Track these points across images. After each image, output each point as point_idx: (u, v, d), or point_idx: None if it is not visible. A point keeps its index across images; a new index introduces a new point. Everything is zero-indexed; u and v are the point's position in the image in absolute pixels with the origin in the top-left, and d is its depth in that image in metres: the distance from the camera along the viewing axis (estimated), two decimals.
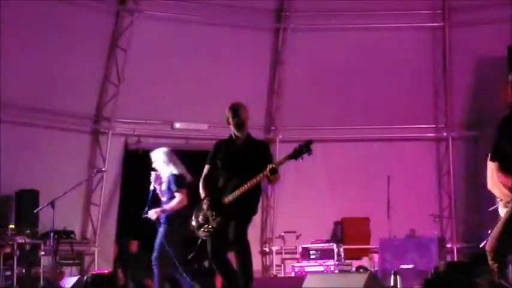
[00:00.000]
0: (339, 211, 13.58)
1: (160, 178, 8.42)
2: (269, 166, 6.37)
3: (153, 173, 8.44)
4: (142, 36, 13.24)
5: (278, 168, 6.44)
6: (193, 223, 6.77)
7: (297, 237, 12.69)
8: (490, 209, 10.50)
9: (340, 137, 14.18)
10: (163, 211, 8.35)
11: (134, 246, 12.44)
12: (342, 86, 14.06)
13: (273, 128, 14.41)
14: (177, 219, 8.16)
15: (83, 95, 13.19)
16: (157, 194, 8.51)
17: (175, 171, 8.36)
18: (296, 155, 6.38)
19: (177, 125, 13.96)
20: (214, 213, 6.60)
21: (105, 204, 13.42)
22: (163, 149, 8.70)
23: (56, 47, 12.59)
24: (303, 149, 6.35)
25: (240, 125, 6.70)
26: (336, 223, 13.36)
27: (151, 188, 8.42)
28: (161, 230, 8.37)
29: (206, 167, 6.87)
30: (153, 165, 8.55)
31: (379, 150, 14.01)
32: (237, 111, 6.72)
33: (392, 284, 7.86)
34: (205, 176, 6.84)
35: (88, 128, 13.44)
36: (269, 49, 14.36)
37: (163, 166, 8.46)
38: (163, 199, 8.50)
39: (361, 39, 14.02)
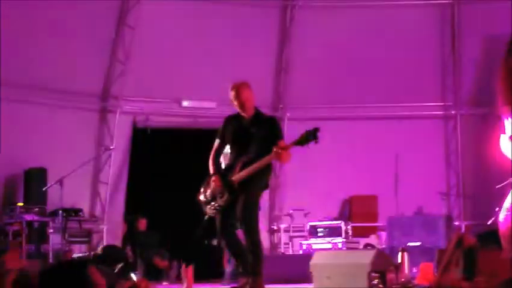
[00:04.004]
0: (347, 189, 13.61)
1: None
2: (275, 149, 6.37)
3: None
4: (150, 14, 13.21)
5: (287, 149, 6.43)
6: (201, 198, 6.79)
7: (305, 215, 12.73)
8: (498, 186, 10.52)
9: (349, 115, 14.17)
10: None
11: (143, 224, 12.49)
12: (350, 65, 14.02)
13: (281, 106, 14.39)
14: None
15: (90, 74, 13.20)
16: None
17: None
18: (302, 141, 6.36)
19: (185, 103, 13.96)
20: (222, 190, 6.61)
21: (113, 182, 13.47)
22: None
23: (64, 26, 12.59)
24: (310, 137, 6.32)
25: (241, 105, 6.70)
26: (344, 201, 13.40)
27: None
28: None
29: (216, 142, 6.88)
30: None
31: (387, 128, 13.99)
32: (237, 92, 6.70)
33: (399, 261, 7.88)
34: (215, 151, 6.85)
35: (96, 106, 13.46)
36: (277, 26, 14.32)
37: None
38: None
39: (369, 17, 13.97)
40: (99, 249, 11.11)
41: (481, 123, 14.07)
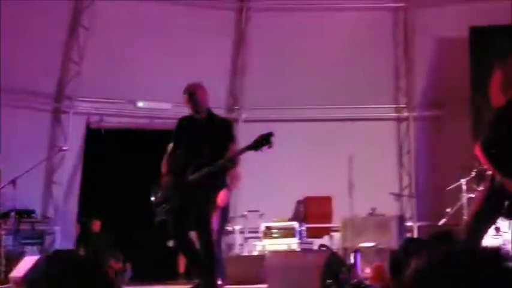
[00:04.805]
0: (301, 190, 13.66)
1: None
2: (227, 157, 6.42)
3: None
4: (105, 14, 13.13)
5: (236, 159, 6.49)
6: (154, 200, 6.78)
7: (260, 216, 12.76)
8: (449, 188, 10.71)
9: (303, 116, 14.25)
10: None
11: (97, 226, 12.41)
12: (304, 66, 14.10)
13: (237, 107, 14.42)
14: None
15: (44, 74, 13.07)
16: None
17: None
18: (256, 146, 6.39)
19: (140, 104, 13.90)
20: (174, 192, 6.61)
21: (66, 183, 13.36)
22: None
23: (16, 25, 12.45)
24: (263, 141, 6.36)
25: (194, 108, 6.70)
26: (299, 202, 13.44)
27: None
28: None
29: (170, 145, 6.88)
30: None
31: (342, 130, 14.10)
32: (191, 95, 6.70)
33: (352, 261, 7.97)
34: (169, 153, 6.85)
35: (50, 106, 13.34)
36: (233, 28, 14.34)
37: None
38: None
39: (323, 19, 14.07)
40: (50, 254, 11.01)
41: (433, 125, 14.29)
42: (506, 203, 5.48)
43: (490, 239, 9.27)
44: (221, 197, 6.78)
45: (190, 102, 6.69)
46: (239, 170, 6.76)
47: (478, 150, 5.54)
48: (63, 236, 13.09)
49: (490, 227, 6.44)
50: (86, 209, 13.14)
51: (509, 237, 9.12)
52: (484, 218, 5.75)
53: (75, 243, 12.43)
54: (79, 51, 13.14)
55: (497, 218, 6.21)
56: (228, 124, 6.97)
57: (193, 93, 6.69)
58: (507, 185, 5.33)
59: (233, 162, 6.55)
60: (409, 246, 4.86)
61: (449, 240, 5.75)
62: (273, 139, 6.33)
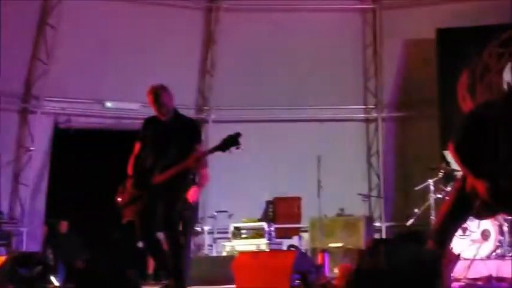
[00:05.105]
0: (271, 190, 13.67)
1: None
2: (193, 157, 6.39)
3: None
4: (73, 13, 13.04)
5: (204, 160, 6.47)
6: (120, 201, 6.73)
7: (229, 216, 12.75)
8: (417, 188, 10.78)
9: (273, 117, 14.26)
10: None
11: (64, 226, 12.31)
12: (274, 67, 14.11)
13: (206, 108, 14.39)
14: None
15: (11, 74, 12.93)
16: None
17: None
18: (223, 147, 6.37)
19: (108, 104, 13.83)
20: (140, 193, 6.57)
21: (34, 184, 13.24)
22: None
23: None
24: (231, 142, 6.35)
25: (158, 110, 6.67)
26: (268, 202, 13.45)
27: None
28: None
29: (136, 145, 6.84)
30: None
31: (311, 130, 14.13)
32: (154, 97, 6.67)
33: (320, 262, 7.99)
34: (135, 153, 6.81)
35: (16, 106, 13.22)
36: (202, 28, 14.32)
37: None
38: None
39: (293, 20, 14.11)
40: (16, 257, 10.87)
41: (401, 125, 14.39)
42: (478, 203, 5.53)
43: (457, 239, 9.36)
44: (191, 193, 6.76)
45: (154, 105, 6.66)
46: (207, 170, 6.72)
47: (450, 150, 5.60)
48: (30, 237, 12.97)
49: (459, 227, 6.50)
50: (54, 210, 13.03)
51: (478, 237, 9.23)
52: (454, 219, 5.80)
53: (43, 245, 12.32)
54: (47, 50, 13.03)
55: (467, 218, 6.29)
56: (194, 125, 6.94)
57: (156, 96, 6.66)
58: (479, 186, 5.39)
59: (200, 162, 6.53)
60: (376, 247, 4.88)
61: (416, 241, 5.79)
62: (240, 140, 6.32)
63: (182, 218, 6.78)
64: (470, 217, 6.21)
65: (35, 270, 8.97)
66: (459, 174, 6.24)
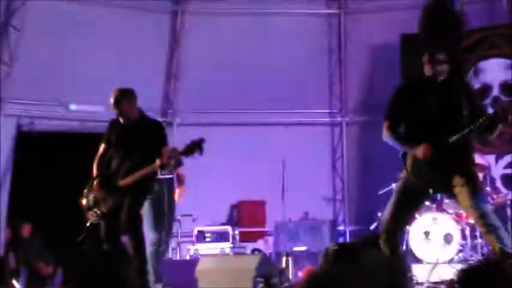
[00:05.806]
0: (235, 194, 13.69)
1: None
2: (158, 162, 6.38)
3: None
4: (37, 15, 12.93)
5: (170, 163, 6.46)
6: (84, 203, 6.71)
7: (193, 220, 12.73)
8: (381, 192, 10.87)
9: (237, 120, 14.27)
10: None
11: (27, 230, 12.20)
12: (238, 71, 14.13)
13: (171, 111, 14.37)
14: None
15: None
16: None
17: None
18: (187, 152, 6.38)
19: (72, 107, 13.73)
20: (105, 196, 6.55)
21: None
22: None
23: None
24: (195, 147, 6.36)
25: (121, 114, 6.66)
26: (233, 206, 13.48)
27: None
28: None
29: (101, 146, 6.82)
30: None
31: (275, 134, 14.16)
32: (117, 101, 6.66)
33: (284, 265, 8.02)
34: (100, 155, 6.79)
35: None
36: (167, 32, 14.30)
37: None
38: None
39: (258, 24, 14.14)
40: None
41: (365, 130, 14.48)
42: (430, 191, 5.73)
43: (419, 243, 9.46)
44: (178, 193, 6.86)
45: (117, 109, 6.65)
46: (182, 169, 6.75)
47: (385, 127, 5.85)
48: None
49: (407, 225, 6.65)
50: (16, 213, 12.90)
51: (440, 241, 9.32)
52: (401, 217, 5.92)
53: (5, 248, 12.19)
54: (10, 52, 12.91)
55: (414, 213, 6.45)
56: (159, 127, 6.93)
57: (116, 103, 6.64)
58: (416, 152, 5.62)
59: (171, 164, 6.53)
60: (339, 251, 4.92)
61: (378, 245, 5.86)
62: (205, 143, 6.33)
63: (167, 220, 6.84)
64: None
65: None
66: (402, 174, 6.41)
